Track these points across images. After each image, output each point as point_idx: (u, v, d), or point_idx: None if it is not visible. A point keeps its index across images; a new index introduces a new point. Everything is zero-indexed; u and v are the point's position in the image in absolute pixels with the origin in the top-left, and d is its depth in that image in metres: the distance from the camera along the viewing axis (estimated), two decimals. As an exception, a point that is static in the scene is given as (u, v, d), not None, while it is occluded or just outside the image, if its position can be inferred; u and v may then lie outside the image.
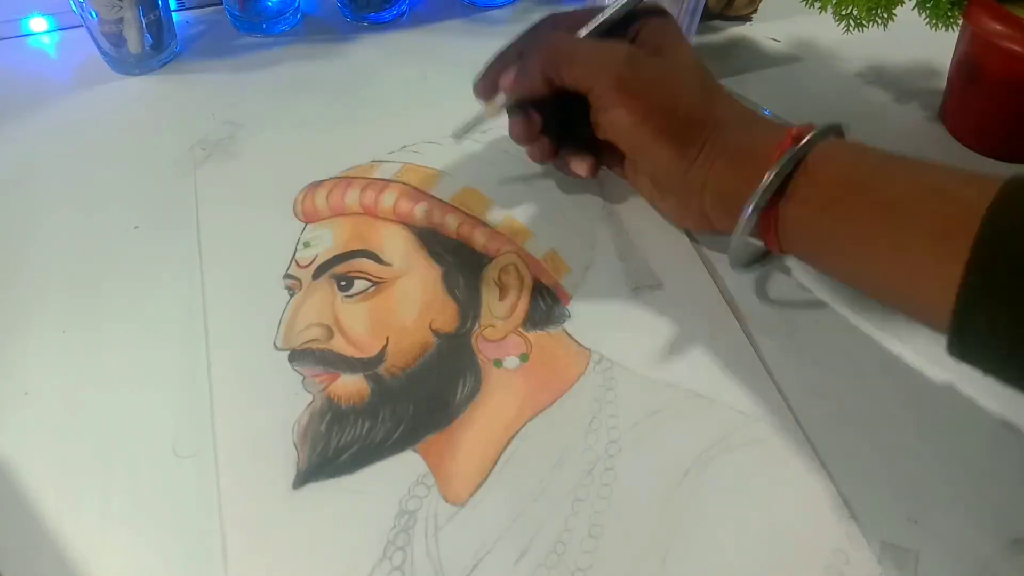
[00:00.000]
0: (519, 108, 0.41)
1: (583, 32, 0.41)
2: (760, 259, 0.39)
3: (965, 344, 0.29)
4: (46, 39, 0.60)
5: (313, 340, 0.39)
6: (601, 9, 0.41)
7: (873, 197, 0.32)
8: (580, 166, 0.43)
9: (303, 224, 0.44)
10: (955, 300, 0.28)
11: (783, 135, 0.34)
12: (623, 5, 0.40)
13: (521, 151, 0.44)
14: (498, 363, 0.38)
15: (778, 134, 0.35)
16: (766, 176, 0.33)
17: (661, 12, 0.41)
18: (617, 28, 0.41)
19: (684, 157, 0.36)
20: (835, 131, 0.35)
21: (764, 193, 0.34)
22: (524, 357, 0.38)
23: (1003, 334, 0.27)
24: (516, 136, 0.42)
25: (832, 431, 0.36)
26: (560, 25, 0.42)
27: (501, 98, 0.42)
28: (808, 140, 0.34)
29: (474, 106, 0.43)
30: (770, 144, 0.34)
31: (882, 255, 0.32)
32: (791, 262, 0.43)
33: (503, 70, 0.41)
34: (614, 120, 0.37)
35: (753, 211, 0.34)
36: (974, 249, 0.27)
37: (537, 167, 0.47)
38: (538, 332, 0.39)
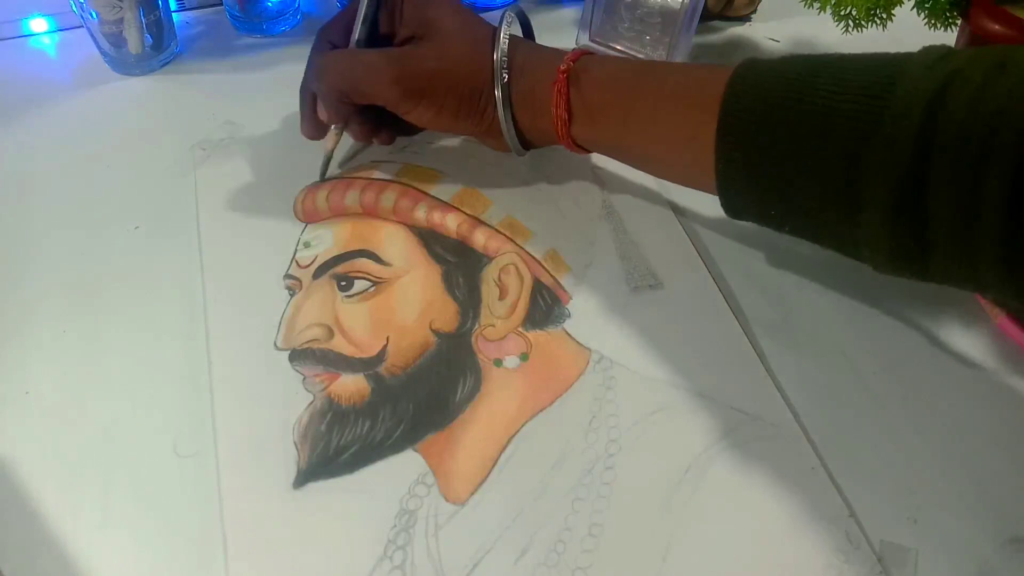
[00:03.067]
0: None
1: (354, 37, 0.43)
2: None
3: (735, 211, 0.36)
4: (46, 39, 0.60)
5: (313, 340, 0.39)
6: (354, 10, 0.43)
7: (630, 108, 0.38)
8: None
9: (303, 224, 0.44)
10: (716, 182, 0.35)
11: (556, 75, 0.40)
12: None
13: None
14: (498, 362, 0.38)
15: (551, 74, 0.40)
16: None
17: None
18: (380, 9, 0.43)
19: (482, 119, 0.42)
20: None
21: (506, 103, 0.41)
22: (524, 356, 0.38)
23: (755, 201, 0.35)
24: (358, 140, 0.47)
25: (832, 431, 0.36)
26: (336, 35, 0.44)
27: (331, 131, 0.45)
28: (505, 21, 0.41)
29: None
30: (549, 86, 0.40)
31: (652, 156, 0.40)
32: (791, 261, 0.43)
33: (315, 103, 0.44)
34: (415, 120, 0.43)
35: (506, 120, 0.41)
36: (717, 138, 0.34)
37: (537, 168, 0.47)
38: (538, 332, 0.39)
